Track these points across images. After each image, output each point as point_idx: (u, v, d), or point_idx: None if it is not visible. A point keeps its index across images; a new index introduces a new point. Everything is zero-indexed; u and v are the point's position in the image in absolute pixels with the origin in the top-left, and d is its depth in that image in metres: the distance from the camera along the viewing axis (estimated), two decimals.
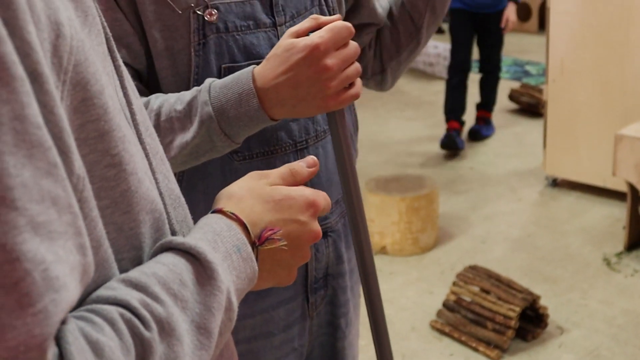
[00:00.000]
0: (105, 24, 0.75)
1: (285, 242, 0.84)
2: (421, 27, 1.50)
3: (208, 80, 1.19)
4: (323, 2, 1.37)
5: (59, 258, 0.56)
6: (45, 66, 0.58)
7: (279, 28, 1.30)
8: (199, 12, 1.23)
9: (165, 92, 1.26)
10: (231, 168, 1.30)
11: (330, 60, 1.11)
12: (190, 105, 1.18)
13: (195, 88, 1.19)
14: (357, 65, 1.15)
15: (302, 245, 0.87)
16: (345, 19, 1.49)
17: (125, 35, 1.23)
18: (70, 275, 0.57)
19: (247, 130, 1.18)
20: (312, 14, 1.34)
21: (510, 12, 5.14)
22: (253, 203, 0.83)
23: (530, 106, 6.00)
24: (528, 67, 7.49)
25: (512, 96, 6.13)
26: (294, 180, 0.90)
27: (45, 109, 0.58)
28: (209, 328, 0.71)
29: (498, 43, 5.32)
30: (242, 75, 1.16)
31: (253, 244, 0.81)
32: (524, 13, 9.00)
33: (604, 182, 4.29)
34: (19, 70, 0.55)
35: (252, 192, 0.85)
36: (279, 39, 1.30)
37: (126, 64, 1.23)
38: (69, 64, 0.62)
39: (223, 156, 1.28)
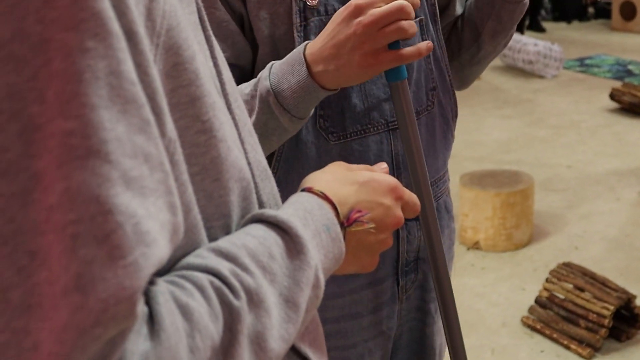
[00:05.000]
0: None
1: (373, 225, 0.83)
2: (481, 33, 1.47)
3: (271, 62, 1.23)
4: None
5: (150, 214, 0.55)
6: (140, 26, 0.57)
7: None
8: None
9: None
10: (327, 149, 1.32)
11: (365, 18, 1.12)
12: (255, 86, 1.22)
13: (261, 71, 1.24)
14: (399, 25, 1.14)
15: (386, 229, 0.86)
16: None
17: (231, 35, 1.27)
18: (161, 232, 0.56)
19: (303, 102, 1.19)
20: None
21: None
22: (339, 185, 0.83)
23: (632, 105, 5.85)
24: (631, 67, 7.30)
25: (613, 95, 6.00)
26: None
27: (139, 69, 0.57)
28: (296, 302, 0.70)
29: None
30: (298, 48, 1.19)
31: (341, 225, 0.81)
32: (628, 12, 8.77)
33: None
34: (115, 27, 0.54)
35: (337, 175, 0.85)
36: None
37: (231, 64, 1.26)
38: (162, 28, 0.61)
39: (318, 137, 1.31)
